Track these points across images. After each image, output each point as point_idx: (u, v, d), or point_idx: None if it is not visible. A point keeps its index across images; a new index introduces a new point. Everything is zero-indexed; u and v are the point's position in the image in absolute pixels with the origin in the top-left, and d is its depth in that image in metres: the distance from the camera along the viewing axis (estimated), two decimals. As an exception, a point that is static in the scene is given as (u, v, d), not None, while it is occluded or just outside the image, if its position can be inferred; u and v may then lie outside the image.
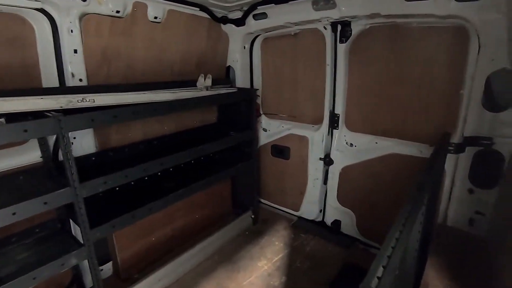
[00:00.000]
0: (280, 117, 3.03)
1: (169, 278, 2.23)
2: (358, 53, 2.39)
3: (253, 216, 2.97)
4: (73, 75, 1.89)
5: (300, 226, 2.97)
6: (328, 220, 2.93)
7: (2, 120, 1.31)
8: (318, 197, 2.90)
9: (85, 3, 1.78)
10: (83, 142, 2.02)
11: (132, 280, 2.18)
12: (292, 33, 2.67)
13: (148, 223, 2.37)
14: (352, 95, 2.54)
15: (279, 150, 3.06)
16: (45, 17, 1.72)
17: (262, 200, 3.35)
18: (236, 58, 2.93)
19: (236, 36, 2.82)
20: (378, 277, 0.79)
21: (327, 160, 2.75)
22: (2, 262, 1.60)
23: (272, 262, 2.46)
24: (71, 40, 1.82)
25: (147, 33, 2.20)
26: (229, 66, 3.00)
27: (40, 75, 1.83)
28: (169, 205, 2.15)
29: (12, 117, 1.43)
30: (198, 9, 2.38)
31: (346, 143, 2.64)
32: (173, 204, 2.20)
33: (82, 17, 1.83)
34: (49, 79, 1.85)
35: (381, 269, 0.82)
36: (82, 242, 1.67)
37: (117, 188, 2.20)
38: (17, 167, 1.80)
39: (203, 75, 2.44)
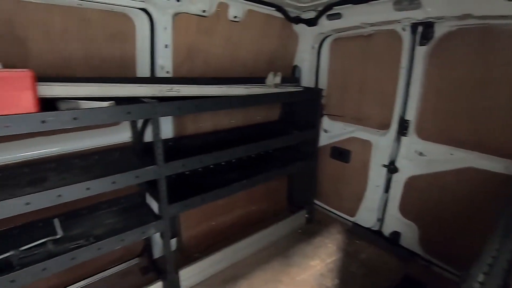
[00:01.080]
0: (343, 119, 2.98)
1: (226, 261, 2.36)
2: (439, 57, 2.23)
3: (307, 216, 2.98)
4: (162, 68, 2.12)
5: (355, 232, 2.89)
6: (386, 230, 2.79)
7: (113, 102, 1.54)
8: (377, 205, 2.78)
9: (179, 3, 1.98)
10: (164, 128, 2.24)
11: (192, 258, 2.36)
12: (365, 34, 2.61)
13: (211, 209, 2.55)
14: (427, 101, 2.38)
15: (339, 153, 3.01)
16: (145, 15, 1.95)
17: (317, 201, 3.33)
18: (304, 57, 2.96)
19: (306, 36, 2.85)
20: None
21: (392, 168, 2.62)
22: (95, 223, 1.88)
23: (325, 263, 2.45)
24: (164, 36, 2.04)
25: (225, 32, 2.35)
26: (296, 65, 3.04)
27: (135, 66, 2.09)
28: (232, 194, 2.28)
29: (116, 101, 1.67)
30: (274, 9, 2.46)
31: (415, 151, 2.48)
32: (235, 193, 2.32)
33: (175, 16, 2.04)
34: (142, 70, 2.10)
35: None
36: (159, 215, 1.87)
37: (187, 173, 2.42)
38: (112, 144, 2.09)
39: (273, 73, 2.53)
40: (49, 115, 1.31)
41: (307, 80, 3.03)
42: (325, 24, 2.65)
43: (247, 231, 2.63)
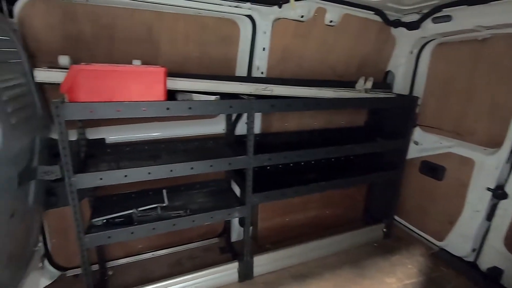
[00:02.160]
0: (440, 132, 2.69)
1: (296, 258, 2.42)
2: None
3: (385, 230, 2.80)
4: (257, 68, 2.32)
5: (442, 258, 2.58)
6: (483, 264, 2.41)
7: (218, 97, 1.79)
8: (474, 233, 2.42)
9: (280, 9, 2.14)
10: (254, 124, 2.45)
11: (264, 248, 2.50)
12: (480, 38, 2.31)
13: (286, 205, 2.65)
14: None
15: (431, 168, 2.73)
16: (250, 21, 2.17)
17: (397, 217, 3.10)
18: (399, 63, 2.79)
19: (405, 40, 2.69)
20: None
21: (499, 193, 2.25)
22: (191, 200, 2.18)
23: (402, 283, 2.27)
24: (263, 40, 2.23)
25: (320, 36, 2.41)
26: (389, 71, 2.89)
27: (235, 66, 2.34)
28: (310, 193, 2.33)
29: (220, 96, 1.92)
30: (373, 12, 2.41)
31: (535, 177, 2.09)
32: (313, 193, 2.37)
33: (275, 21, 2.20)
34: (241, 69, 2.34)
35: None
36: (243, 202, 2.06)
37: (268, 168, 2.58)
38: (208, 134, 2.39)
39: (364, 77, 2.48)
40: (172, 104, 1.61)
41: (400, 87, 2.85)
42: (429, 28, 2.45)
43: (319, 234, 2.63)
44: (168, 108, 1.60)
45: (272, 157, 2.00)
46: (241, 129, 2.43)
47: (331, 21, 2.35)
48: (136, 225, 1.75)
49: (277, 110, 1.92)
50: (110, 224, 1.79)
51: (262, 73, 2.35)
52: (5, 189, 1.22)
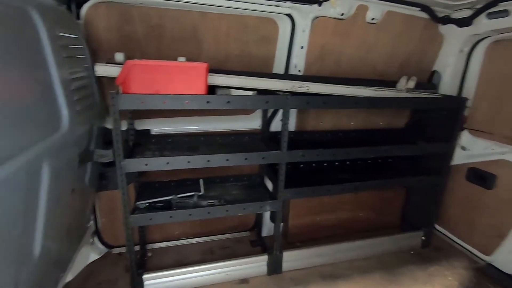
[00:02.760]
0: (492, 137, 2.48)
1: (326, 258, 2.40)
2: None
3: (423, 238, 2.65)
4: (295, 66, 2.35)
5: (489, 274, 2.38)
6: (539, 285, 2.18)
7: (255, 92, 1.86)
8: (528, 250, 2.20)
9: (320, 8, 2.15)
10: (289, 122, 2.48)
11: (294, 246, 2.52)
12: (544, 35, 2.10)
13: (318, 205, 2.64)
14: None
15: (480, 176, 2.53)
16: (289, 19, 2.21)
17: (437, 226, 2.91)
18: (447, 62, 2.63)
19: (454, 38, 2.53)
20: None
21: (560, 206, 2.03)
22: (225, 191, 2.28)
23: (440, 294, 2.15)
24: (301, 38, 2.26)
25: (360, 34, 2.37)
26: (435, 70, 2.74)
27: (273, 63, 2.39)
28: (343, 193, 2.31)
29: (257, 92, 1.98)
30: (419, 9, 2.31)
31: None
32: (346, 192, 2.33)
33: (314, 19, 2.22)
34: (278, 67, 2.39)
35: None
36: (275, 196, 2.10)
37: (301, 166, 2.60)
38: (244, 130, 2.48)
39: (406, 77, 2.38)
40: (212, 98, 1.72)
41: (447, 88, 2.68)
42: (483, 24, 2.28)
43: (350, 236, 2.57)
44: (208, 102, 1.70)
45: (306, 154, 2.02)
46: (276, 126, 2.48)
47: (372, 19, 2.29)
48: (175, 210, 1.88)
49: (313, 107, 1.94)
50: (152, 208, 1.96)
51: (299, 71, 2.38)
52: (68, 167, 1.40)
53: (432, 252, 2.63)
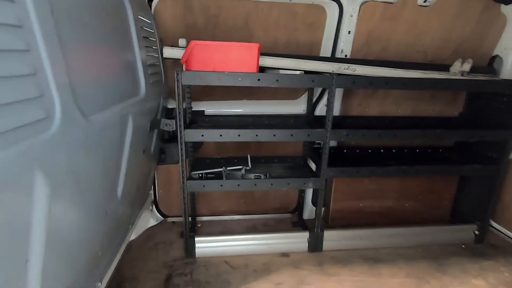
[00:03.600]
0: None
1: (368, 242, 2.40)
2: None
3: (477, 233, 2.50)
4: (341, 51, 2.41)
5: (554, 274, 2.17)
6: None
7: (302, 72, 1.97)
8: None
9: (369, -8, 2.19)
10: (334, 106, 2.54)
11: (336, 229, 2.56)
12: None
13: (362, 190, 2.63)
14: None
15: (546, 168, 2.32)
16: (337, 6, 2.28)
17: (494, 223, 2.70)
18: (510, 44, 2.46)
19: (519, 19, 2.36)
20: None
21: None
22: (270, 169, 2.42)
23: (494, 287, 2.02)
24: (349, 24, 2.31)
25: (410, 18, 2.34)
26: (496, 55, 2.57)
27: (320, 50, 2.48)
28: (388, 176, 2.30)
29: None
30: (477, -12, 2.22)
31: None
32: (391, 176, 2.32)
33: (362, 4, 2.26)
34: (324, 53, 2.47)
35: None
36: (318, 175, 2.18)
37: (345, 151, 2.63)
38: (290, 114, 2.59)
39: (461, 59, 2.29)
40: (262, 76, 1.87)
41: (510, 73, 2.50)
42: (553, 1, 2.11)
43: (395, 225, 2.53)
44: (259, 79, 1.86)
45: (350, 133, 2.07)
46: (320, 111, 2.56)
47: (425, 1, 2.26)
48: (225, 179, 2.07)
49: (358, 86, 1.99)
50: (204, 178, 2.17)
51: (345, 56, 2.43)
52: (142, 129, 1.66)
53: (486, 248, 2.47)
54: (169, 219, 2.76)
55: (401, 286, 2.02)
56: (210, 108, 2.53)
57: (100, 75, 1.11)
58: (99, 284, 1.45)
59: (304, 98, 2.62)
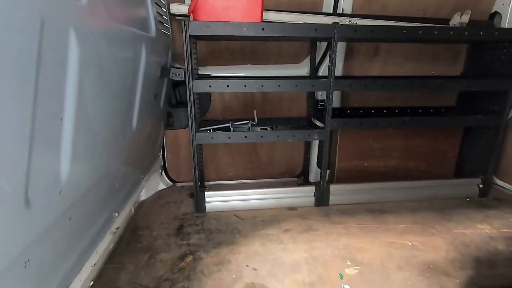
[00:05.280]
0: None
1: (374, 195, 2.44)
2: None
3: (481, 186, 2.54)
4: (342, 10, 2.46)
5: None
6: None
7: (304, 22, 2.03)
8: None
9: None
10: (336, 67, 2.59)
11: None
12: None
13: (366, 149, 2.69)
14: None
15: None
16: (338, -36, 2.34)
17: (498, 181, 2.74)
18: (508, 1, 2.50)
19: (517, -28, 2.41)
20: None
21: None
22: (277, 128, 2.48)
23: (498, 230, 2.06)
24: (349, -18, 2.37)
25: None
26: (495, 11, 2.61)
27: (322, 8, 2.51)
28: (391, 127, 2.35)
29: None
30: None
31: None
32: (394, 127, 2.38)
33: (362, -39, 2.32)
34: (326, 10, 2.52)
35: None
36: (322, 127, 2.24)
37: (348, 111, 2.68)
38: (293, 76, 2.65)
39: (459, 12, 2.34)
40: (266, 25, 1.93)
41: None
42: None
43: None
44: (263, 29, 1.92)
45: (353, 83, 2.13)
46: (323, 72, 2.62)
47: (423, -43, 2.31)
48: (232, 131, 2.14)
49: (361, 36, 2.04)
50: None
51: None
52: (153, 74, 1.73)
53: (491, 201, 2.50)
54: (178, 184, 2.83)
55: (407, 229, 2.06)
56: (216, 72, 2.59)
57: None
58: (116, 214, 1.52)
59: (307, 61, 2.68)
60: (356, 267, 1.68)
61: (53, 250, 0.89)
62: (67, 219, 0.94)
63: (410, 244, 1.90)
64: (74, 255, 1.08)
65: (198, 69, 2.48)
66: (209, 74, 2.58)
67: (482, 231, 2.06)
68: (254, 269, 1.66)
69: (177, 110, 2.61)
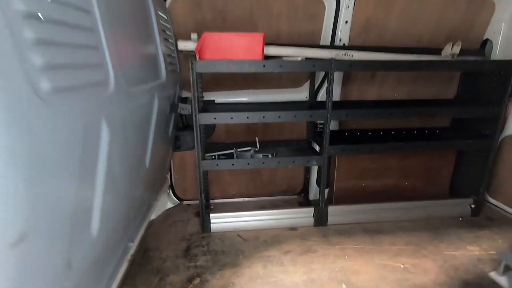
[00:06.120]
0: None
1: (370, 216, 2.57)
2: None
3: (473, 206, 2.66)
4: (340, 40, 2.60)
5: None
6: None
7: (303, 57, 2.17)
8: None
9: (363, -16, 2.38)
10: (333, 92, 2.73)
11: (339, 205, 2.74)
12: None
13: (364, 169, 2.82)
14: None
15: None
16: (334, -2, 2.48)
17: (490, 199, 2.86)
18: (499, 28, 2.62)
19: (506, 3, 2.52)
20: None
21: None
22: (277, 151, 2.62)
23: (486, 252, 2.18)
24: (346, 14, 2.50)
25: (403, 5, 2.51)
26: (487, 39, 2.73)
27: (320, 38, 2.66)
28: (386, 152, 2.48)
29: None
30: (465, -24, 2.39)
31: None
32: (390, 152, 2.50)
33: (357, -5, 2.45)
34: (324, 41, 2.66)
35: None
36: (320, 153, 2.38)
37: (346, 134, 2.82)
38: (293, 100, 2.80)
39: (451, 43, 2.46)
40: (267, 62, 2.08)
41: (500, 55, 2.66)
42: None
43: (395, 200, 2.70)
44: (264, 66, 2.07)
45: (349, 113, 2.26)
46: (322, 97, 2.76)
47: (416, -10, 2.44)
48: (236, 158, 2.29)
49: (355, 69, 2.17)
50: (217, 158, 2.39)
51: (344, 44, 2.62)
52: (164, 111, 1.89)
53: (482, 221, 2.62)
54: (185, 202, 2.98)
55: (400, 251, 2.19)
56: (220, 97, 2.75)
57: (135, 59, 1.34)
58: (131, 244, 1.68)
59: (306, 86, 2.82)
60: (351, 290, 1.82)
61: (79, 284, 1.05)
62: (93, 261, 1.09)
63: (402, 266, 2.03)
64: (102, 285, 1.24)
65: (203, 96, 2.64)
66: (214, 100, 2.73)
67: (471, 253, 2.18)
68: (257, 292, 1.80)
69: (184, 133, 2.75)
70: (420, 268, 2.02)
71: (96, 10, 0.99)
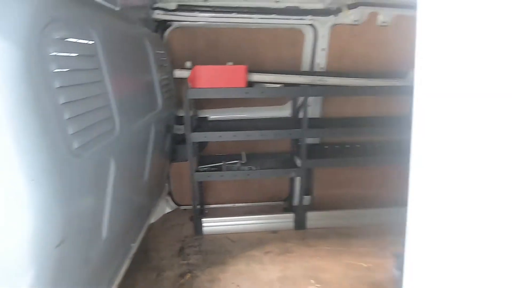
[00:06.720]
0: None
1: (344, 221, 2.89)
2: None
3: (438, 212, 2.97)
4: (318, 64, 2.94)
5: None
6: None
7: (282, 85, 2.51)
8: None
9: (336, 17, 2.72)
10: (314, 109, 3.05)
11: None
12: None
13: (340, 179, 3.15)
14: None
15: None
16: (312, 28, 2.81)
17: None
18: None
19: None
20: None
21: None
22: (261, 163, 2.95)
23: (442, 253, 2.50)
24: (322, 42, 2.84)
25: (373, 36, 2.85)
26: (451, 63, 3.04)
27: (301, 64, 3.00)
28: (357, 165, 2.81)
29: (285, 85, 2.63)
30: (426, 11, 2.71)
31: None
32: (360, 165, 2.83)
33: (332, 26, 2.78)
34: (305, 66, 2.99)
35: None
36: (299, 166, 2.71)
37: (326, 147, 3.15)
38: (277, 117, 3.13)
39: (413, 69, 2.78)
40: (249, 90, 2.43)
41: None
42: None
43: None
44: (247, 92, 2.41)
45: (323, 132, 2.61)
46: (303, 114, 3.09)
47: (383, 22, 2.77)
48: (224, 171, 2.64)
49: (328, 94, 2.52)
50: (209, 170, 2.74)
51: (321, 68, 2.95)
52: (161, 133, 2.24)
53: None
54: (182, 207, 3.34)
55: (366, 253, 2.52)
56: (212, 114, 3.09)
57: (135, 100, 1.69)
58: (133, 244, 2.03)
59: (289, 104, 3.15)
60: (318, 285, 2.15)
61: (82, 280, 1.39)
62: (102, 259, 1.44)
63: (365, 265, 2.36)
64: (105, 279, 1.59)
65: (197, 115, 3.00)
66: (207, 117, 3.08)
67: (428, 254, 2.50)
68: (238, 286, 2.15)
69: (180, 146, 3.10)
70: (382, 267, 2.34)
71: (103, 66, 1.31)
